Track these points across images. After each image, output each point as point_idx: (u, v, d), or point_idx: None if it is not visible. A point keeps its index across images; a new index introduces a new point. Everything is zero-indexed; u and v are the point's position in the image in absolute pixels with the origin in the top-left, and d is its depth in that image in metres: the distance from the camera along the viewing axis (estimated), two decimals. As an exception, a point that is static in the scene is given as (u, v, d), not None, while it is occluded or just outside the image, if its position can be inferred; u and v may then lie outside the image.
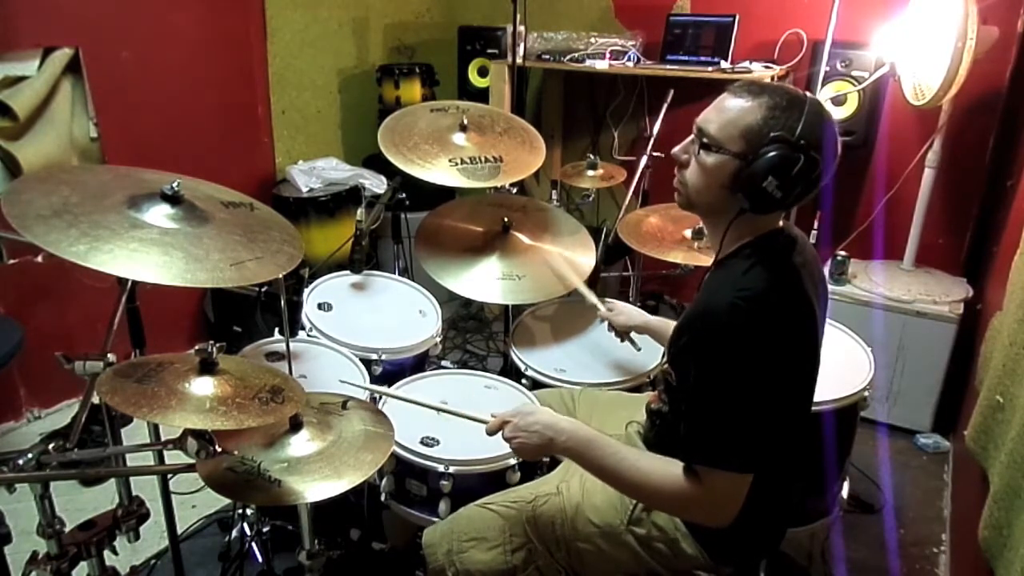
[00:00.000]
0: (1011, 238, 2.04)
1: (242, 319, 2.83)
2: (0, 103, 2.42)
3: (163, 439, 1.30)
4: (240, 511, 1.92)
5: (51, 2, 2.50)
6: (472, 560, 1.39)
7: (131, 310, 1.52)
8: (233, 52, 3.19)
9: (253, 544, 1.95)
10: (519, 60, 2.96)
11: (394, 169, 1.98)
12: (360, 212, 2.09)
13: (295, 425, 1.34)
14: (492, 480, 1.58)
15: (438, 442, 1.63)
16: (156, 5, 2.83)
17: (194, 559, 2.07)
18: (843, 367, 1.86)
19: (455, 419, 1.67)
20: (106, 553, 1.34)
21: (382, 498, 1.67)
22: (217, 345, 1.23)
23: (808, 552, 2.09)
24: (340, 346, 1.94)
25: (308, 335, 1.97)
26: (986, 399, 1.70)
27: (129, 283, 1.45)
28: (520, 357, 2.00)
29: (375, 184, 3.32)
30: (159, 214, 1.25)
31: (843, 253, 2.85)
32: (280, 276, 1.29)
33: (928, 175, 2.76)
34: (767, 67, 2.97)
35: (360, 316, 2.11)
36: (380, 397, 1.78)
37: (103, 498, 2.23)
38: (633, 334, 1.89)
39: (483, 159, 2.03)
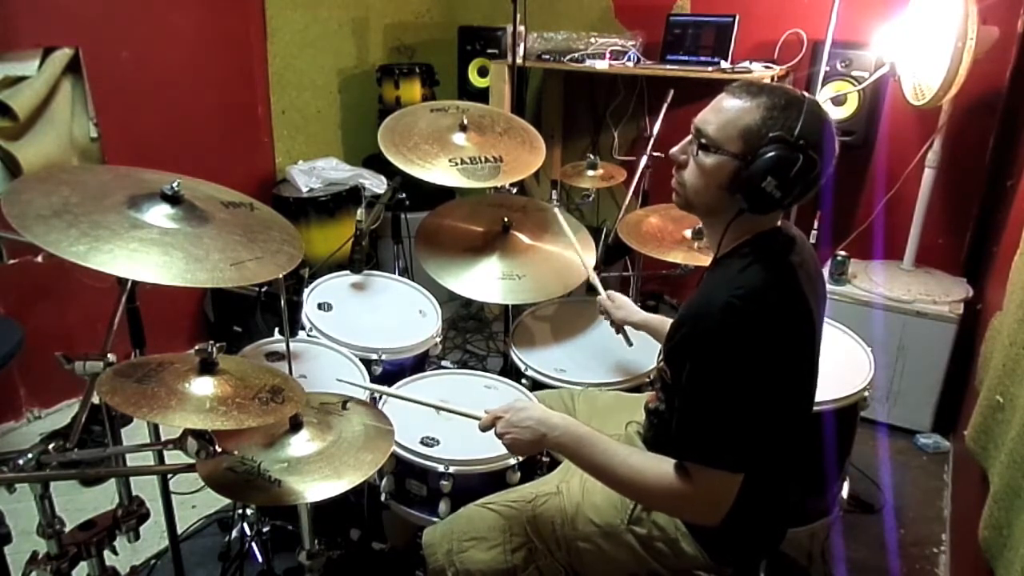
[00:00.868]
0: (1011, 238, 2.04)
1: (242, 319, 2.83)
2: (0, 103, 2.42)
3: (163, 439, 1.30)
4: (240, 511, 1.92)
5: (51, 2, 2.50)
6: (472, 560, 1.39)
7: (131, 310, 1.52)
8: (233, 52, 3.19)
9: (253, 544, 1.95)
10: (519, 60, 2.96)
11: (394, 169, 1.98)
12: (360, 212, 2.09)
13: (295, 425, 1.34)
14: (492, 480, 1.58)
15: (438, 442, 1.63)
16: (156, 5, 2.83)
17: (194, 559, 2.07)
18: (843, 367, 1.86)
19: (455, 419, 1.67)
20: (106, 553, 1.34)
21: (382, 498, 1.67)
22: (217, 345, 1.23)
23: (808, 552, 2.09)
24: (340, 346, 1.94)
25: (308, 335, 1.97)
26: (986, 399, 1.70)
27: (129, 283, 1.45)
28: (520, 357, 2.00)
29: (375, 184, 3.32)
30: (159, 214, 1.25)
31: (843, 253, 2.85)
32: (280, 276, 1.29)
33: (928, 175, 2.76)
34: (767, 67, 2.97)
35: (360, 316, 2.11)
36: (380, 397, 1.78)
37: (103, 498, 2.23)
38: (629, 330, 1.89)
39: (483, 159, 2.03)
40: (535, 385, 1.93)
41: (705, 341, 1.17)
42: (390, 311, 2.17)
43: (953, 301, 2.66)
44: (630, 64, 3.14)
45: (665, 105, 2.59)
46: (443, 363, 2.23)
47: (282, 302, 1.55)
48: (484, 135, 2.11)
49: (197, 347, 1.23)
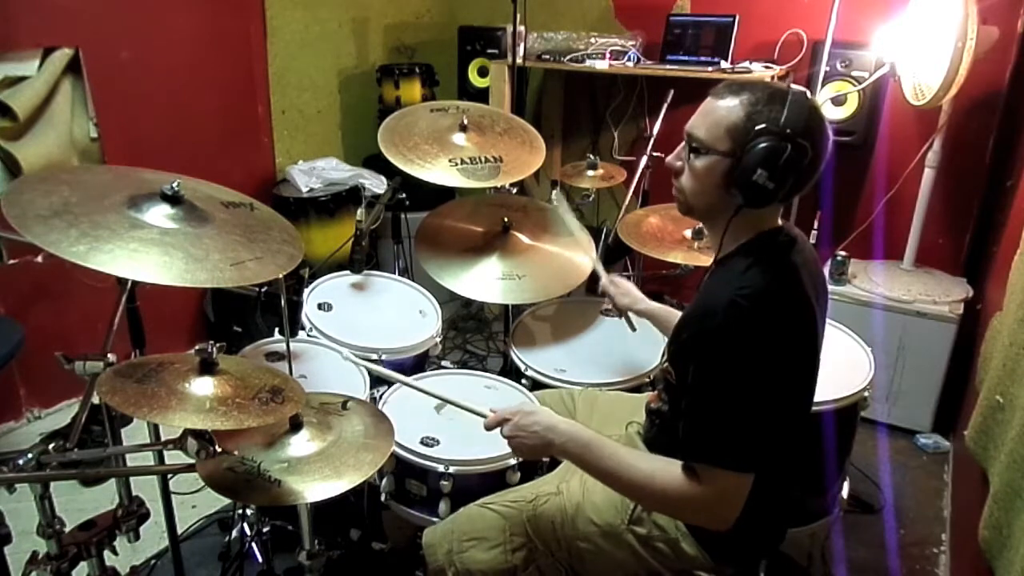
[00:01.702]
0: (1011, 238, 2.04)
1: (242, 319, 2.84)
2: (0, 103, 2.42)
3: (163, 439, 1.30)
4: (240, 511, 1.92)
5: (51, 2, 2.50)
6: (472, 560, 1.39)
7: (131, 310, 1.52)
8: (233, 52, 3.19)
9: (253, 544, 1.95)
10: (519, 60, 2.96)
11: (394, 169, 1.98)
12: (360, 212, 2.09)
13: (295, 425, 1.34)
14: (492, 480, 1.58)
15: (438, 442, 1.63)
16: (156, 5, 2.83)
17: (194, 559, 2.07)
18: (843, 367, 1.86)
19: (455, 419, 1.68)
20: (106, 553, 1.34)
21: (382, 498, 1.67)
22: (217, 345, 1.23)
23: (808, 552, 2.09)
24: (340, 346, 1.93)
25: (308, 335, 1.97)
26: (986, 399, 1.70)
27: (129, 283, 1.45)
28: (520, 357, 2.00)
29: (375, 184, 3.32)
30: (159, 214, 1.25)
31: (843, 253, 2.85)
32: (280, 276, 1.29)
33: (928, 175, 2.76)
34: (767, 67, 2.97)
35: (360, 316, 2.11)
36: (380, 396, 1.78)
37: (103, 498, 2.23)
38: (632, 316, 1.89)
39: (483, 159, 2.03)
40: (535, 385, 1.93)
41: (710, 341, 1.17)
42: (390, 311, 2.17)
43: (953, 301, 2.66)
44: (630, 64, 3.14)
45: (665, 105, 2.59)
46: (443, 363, 2.23)
47: (282, 302, 1.55)
48: (484, 135, 2.11)
49: (197, 347, 1.23)
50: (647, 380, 1.93)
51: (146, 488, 1.57)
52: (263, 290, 1.65)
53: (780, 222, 1.30)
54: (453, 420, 1.74)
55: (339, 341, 1.94)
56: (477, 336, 3.48)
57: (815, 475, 1.83)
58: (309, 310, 2.02)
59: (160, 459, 1.55)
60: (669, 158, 1.31)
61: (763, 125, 1.15)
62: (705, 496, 1.17)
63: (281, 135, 3.48)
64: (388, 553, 1.85)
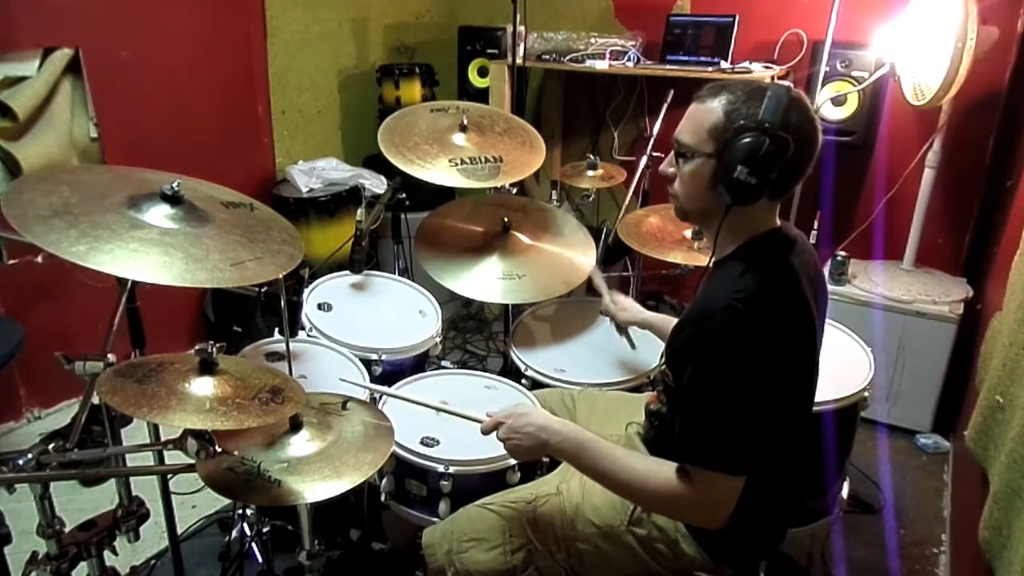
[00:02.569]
0: (1011, 238, 2.04)
1: (242, 319, 2.83)
2: (0, 103, 2.42)
3: (163, 439, 1.30)
4: (240, 511, 1.92)
5: (51, 2, 2.50)
6: (472, 560, 1.39)
7: (131, 310, 1.52)
8: (233, 52, 3.19)
9: (253, 544, 1.95)
10: (519, 60, 2.96)
11: (394, 169, 1.98)
12: (360, 212, 2.09)
13: (295, 425, 1.34)
14: (492, 480, 1.58)
15: (438, 442, 1.63)
16: (156, 5, 2.83)
17: (194, 559, 2.07)
18: (843, 367, 1.86)
19: (455, 419, 1.68)
20: (106, 553, 1.34)
21: (382, 498, 1.67)
22: (217, 345, 1.23)
23: (808, 552, 2.09)
24: (340, 346, 1.94)
25: (308, 335, 1.96)
26: (986, 399, 1.70)
27: (129, 283, 1.45)
28: (520, 357, 2.00)
29: (375, 184, 3.31)
30: (159, 214, 1.25)
31: (843, 253, 2.85)
32: (280, 276, 1.29)
33: (928, 175, 2.76)
34: (767, 67, 2.97)
35: (360, 316, 2.11)
36: (380, 396, 1.78)
37: (103, 498, 2.23)
38: (633, 331, 1.89)
39: (483, 159, 2.03)
40: (535, 385, 1.93)
41: (706, 344, 1.18)
42: (390, 311, 2.17)
43: (953, 301, 2.66)
44: (630, 64, 3.14)
45: (665, 105, 2.59)
46: (443, 363, 2.23)
47: (282, 302, 1.55)
48: (484, 135, 2.11)
49: (197, 347, 1.23)
50: (647, 380, 1.93)
51: (146, 488, 1.57)
52: (263, 290, 1.65)
53: (778, 222, 1.30)
54: (453, 421, 1.73)
55: (339, 341, 1.94)
56: (477, 336, 3.48)
57: (815, 475, 1.83)
58: (309, 310, 2.02)
59: (160, 459, 1.55)
60: (662, 165, 1.34)
61: (741, 122, 1.16)
62: (696, 497, 1.18)
63: (281, 135, 3.48)
64: (388, 553, 1.85)
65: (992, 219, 2.80)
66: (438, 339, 2.08)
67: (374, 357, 1.93)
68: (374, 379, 1.89)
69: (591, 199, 3.19)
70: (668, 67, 3.08)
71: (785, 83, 1.23)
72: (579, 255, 2.10)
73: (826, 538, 2.14)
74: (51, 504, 1.21)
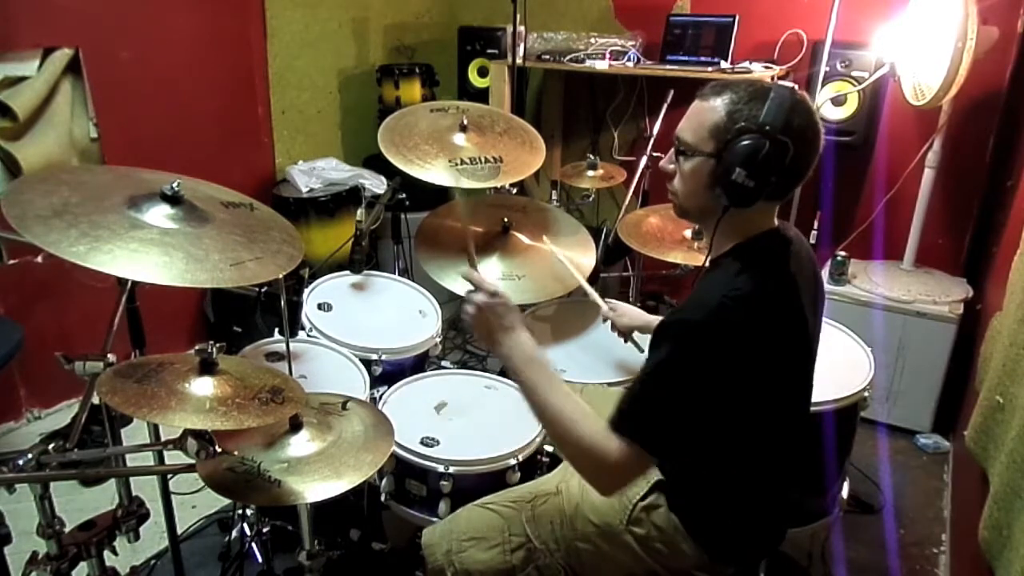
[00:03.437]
0: (1011, 238, 2.04)
1: (242, 319, 2.83)
2: (0, 103, 2.42)
3: (163, 439, 1.30)
4: (240, 511, 1.92)
5: (51, 2, 2.50)
6: (471, 560, 1.39)
7: (131, 310, 1.52)
8: (233, 52, 3.19)
9: (253, 544, 1.95)
10: (519, 60, 2.96)
11: (394, 169, 1.98)
12: (360, 212, 2.09)
13: (295, 425, 1.34)
14: (492, 480, 1.58)
15: (438, 442, 1.63)
16: (156, 5, 2.83)
17: (194, 559, 2.07)
18: (843, 367, 1.86)
19: (455, 419, 1.69)
20: (106, 553, 1.34)
21: (382, 498, 1.67)
22: (217, 345, 1.23)
23: (808, 552, 2.09)
24: (340, 346, 1.94)
25: (308, 335, 1.97)
26: (986, 399, 1.70)
27: (129, 283, 1.45)
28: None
29: (375, 184, 3.31)
30: (159, 214, 1.25)
31: (843, 253, 2.85)
32: (280, 276, 1.29)
33: (928, 175, 2.76)
34: (767, 67, 2.97)
35: (360, 316, 2.11)
36: (380, 396, 1.78)
37: (103, 498, 2.23)
38: (636, 334, 1.90)
39: (483, 159, 2.03)
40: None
41: (686, 331, 1.17)
42: (390, 311, 2.17)
43: (953, 301, 2.66)
44: (630, 64, 3.14)
45: (665, 105, 2.59)
46: (443, 363, 2.23)
47: (282, 302, 1.55)
48: (484, 135, 2.11)
49: (197, 347, 1.23)
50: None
51: (146, 488, 1.57)
52: (263, 290, 1.65)
53: (776, 222, 1.30)
54: (453, 420, 1.74)
55: (339, 341, 1.94)
56: (477, 336, 3.47)
57: (815, 475, 1.83)
58: (309, 310, 2.02)
59: (160, 459, 1.55)
60: (662, 162, 1.33)
61: (742, 124, 1.15)
62: (605, 458, 1.15)
63: (281, 135, 3.48)
64: (388, 553, 1.85)
65: (992, 219, 2.80)
66: (438, 339, 2.09)
67: (374, 357, 1.93)
68: (374, 379, 1.89)
69: (591, 199, 3.19)
70: (668, 67, 3.08)
71: (789, 84, 1.22)
72: (579, 255, 2.10)
73: (826, 538, 2.14)
74: (51, 504, 1.21)
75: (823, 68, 2.73)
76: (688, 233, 2.15)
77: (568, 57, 3.21)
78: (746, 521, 1.30)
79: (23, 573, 1.23)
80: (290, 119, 3.51)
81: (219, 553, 2.08)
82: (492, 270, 2.01)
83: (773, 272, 1.22)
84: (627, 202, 2.64)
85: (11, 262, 1.80)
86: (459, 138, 2.07)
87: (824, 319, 1.42)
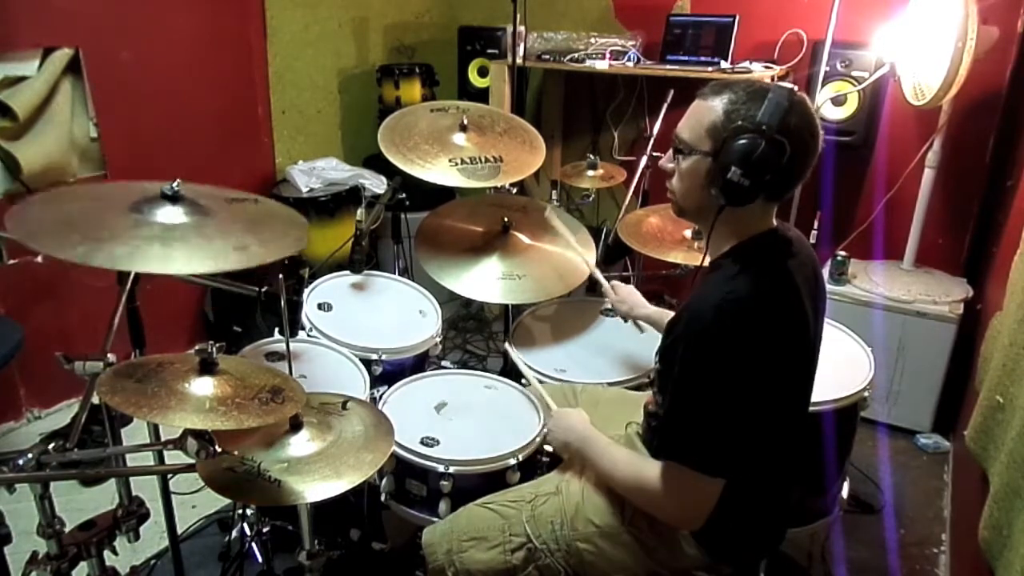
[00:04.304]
0: (1011, 238, 2.04)
1: (242, 319, 2.83)
2: (0, 103, 2.42)
3: (163, 439, 1.30)
4: (240, 511, 1.92)
5: (51, 2, 2.50)
6: (472, 560, 1.39)
7: (131, 310, 1.52)
8: (233, 52, 3.19)
9: (253, 544, 1.95)
10: (519, 60, 2.96)
11: (394, 169, 1.98)
12: (360, 212, 2.09)
13: (295, 425, 1.34)
14: (492, 480, 1.58)
15: (438, 442, 1.63)
16: (156, 5, 2.83)
17: (194, 559, 2.07)
18: (843, 367, 1.86)
19: (455, 419, 1.70)
20: (106, 553, 1.34)
21: (382, 498, 1.67)
22: (217, 345, 1.23)
23: (808, 552, 2.09)
24: (340, 346, 1.94)
25: (308, 335, 1.96)
26: (986, 399, 1.70)
27: (129, 282, 1.45)
28: (520, 357, 2.00)
29: (375, 184, 3.31)
30: (162, 215, 1.25)
31: (843, 253, 2.85)
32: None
33: (928, 175, 2.76)
34: (767, 67, 2.97)
35: (360, 316, 2.11)
36: (380, 396, 1.78)
37: (103, 498, 2.23)
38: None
39: (483, 159, 2.03)
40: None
41: (695, 342, 1.18)
42: (390, 311, 2.17)
43: (953, 301, 2.66)
44: (630, 64, 3.14)
45: (665, 105, 2.59)
46: (443, 363, 2.23)
47: (282, 302, 1.55)
48: (484, 135, 2.11)
49: (197, 347, 1.23)
50: (647, 380, 1.92)
51: (146, 488, 1.57)
52: (263, 290, 1.65)
53: (775, 223, 1.30)
54: (453, 420, 1.74)
55: (339, 341, 1.94)
56: (477, 336, 3.48)
57: (815, 475, 1.83)
58: (309, 310, 2.02)
59: (160, 459, 1.55)
60: (662, 161, 1.34)
61: (739, 123, 1.16)
62: (671, 493, 1.20)
63: (281, 135, 3.48)
64: (388, 553, 1.85)
65: (992, 219, 2.80)
66: (438, 339, 2.08)
67: (374, 357, 1.93)
68: (374, 379, 1.89)
69: (591, 199, 3.19)
70: (668, 67, 3.08)
71: (788, 85, 1.22)
72: (579, 255, 2.10)
73: (826, 538, 2.14)
74: (51, 504, 1.21)
75: (823, 68, 2.73)
76: (688, 233, 2.15)
77: (568, 57, 3.21)
78: (746, 521, 1.30)
79: (23, 573, 1.23)
80: (290, 119, 3.51)
81: (219, 553, 2.08)
82: (492, 270, 2.01)
83: (770, 273, 1.22)
84: (627, 202, 2.64)
85: (11, 262, 1.80)
86: (459, 138, 2.07)
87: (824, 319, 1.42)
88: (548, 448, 1.68)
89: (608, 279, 1.98)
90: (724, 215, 1.22)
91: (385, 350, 1.95)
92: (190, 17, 2.96)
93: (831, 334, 2.00)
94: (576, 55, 3.22)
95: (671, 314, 1.73)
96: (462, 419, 1.75)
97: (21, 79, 2.46)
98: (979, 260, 2.88)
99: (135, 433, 2.08)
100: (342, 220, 3.20)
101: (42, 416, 2.78)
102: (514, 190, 2.39)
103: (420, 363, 2.08)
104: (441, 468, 1.56)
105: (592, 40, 3.28)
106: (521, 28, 2.88)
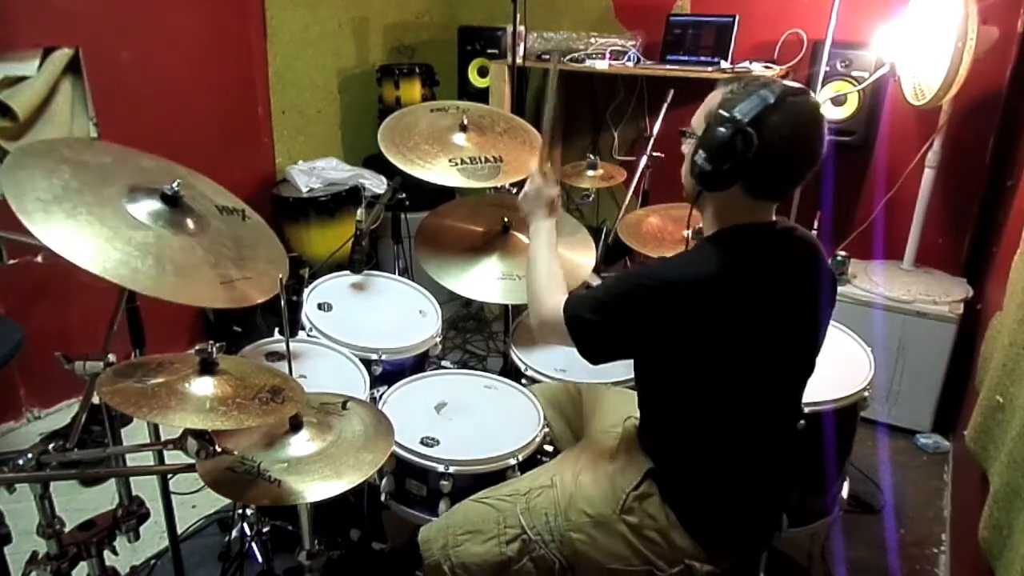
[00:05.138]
0: (1011, 238, 2.04)
1: (242, 319, 2.83)
2: (0, 103, 2.42)
3: (163, 439, 1.30)
4: (240, 511, 1.92)
5: (51, 2, 2.50)
6: (467, 553, 1.40)
7: (131, 310, 1.52)
8: (233, 52, 3.19)
9: (253, 544, 1.95)
10: (519, 60, 2.96)
11: (394, 169, 1.98)
12: (360, 212, 2.09)
13: (295, 425, 1.34)
14: (492, 480, 1.57)
15: (438, 442, 1.63)
16: (156, 5, 2.83)
17: (194, 559, 2.07)
18: (843, 367, 1.86)
19: (455, 419, 1.70)
20: (106, 553, 1.34)
21: (382, 498, 1.67)
22: (217, 345, 1.23)
23: (808, 552, 2.09)
24: (340, 346, 1.93)
25: (308, 335, 1.96)
26: (986, 399, 1.70)
27: (129, 283, 1.45)
28: (520, 357, 2.00)
29: (375, 184, 3.31)
30: (157, 216, 1.27)
31: (843, 253, 2.85)
32: (280, 276, 1.30)
33: (928, 175, 2.76)
34: (767, 67, 2.97)
35: (360, 316, 2.11)
36: (380, 396, 1.78)
37: (103, 498, 2.23)
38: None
39: (483, 159, 2.03)
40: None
41: (634, 271, 1.27)
42: (390, 311, 2.17)
43: (953, 301, 2.66)
44: (630, 64, 3.14)
45: (665, 105, 2.59)
46: (443, 363, 2.23)
47: (282, 302, 1.54)
48: (484, 135, 2.11)
49: (197, 347, 1.23)
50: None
51: (146, 488, 1.57)
52: (263, 290, 1.65)
53: (773, 218, 1.31)
54: (453, 420, 1.74)
55: (339, 341, 1.94)
56: (477, 336, 3.48)
57: (815, 475, 1.83)
58: (309, 310, 2.02)
59: (160, 459, 1.55)
60: (683, 146, 1.37)
61: (722, 112, 1.20)
62: (553, 319, 1.35)
63: (281, 135, 3.48)
64: (388, 553, 1.85)
65: (992, 219, 2.80)
66: (438, 339, 2.08)
67: (374, 357, 1.93)
68: (374, 379, 1.89)
69: (591, 199, 3.19)
70: (668, 67, 3.08)
71: (796, 86, 1.22)
72: (579, 255, 2.10)
73: (826, 538, 2.14)
74: (51, 504, 1.21)
75: (823, 68, 2.73)
76: (688, 233, 2.14)
77: (568, 57, 3.21)
78: (736, 512, 1.31)
79: (23, 573, 1.23)
80: (290, 119, 3.51)
81: (219, 553, 2.08)
82: (492, 270, 2.01)
83: (728, 260, 1.23)
84: (627, 202, 2.64)
85: (11, 262, 1.80)
86: (459, 138, 2.07)
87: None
88: (548, 448, 1.68)
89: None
90: (707, 201, 1.28)
91: (385, 350, 1.95)
92: (190, 17, 2.96)
93: (831, 334, 1.99)
94: (576, 55, 3.22)
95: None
96: (462, 419, 1.75)
97: (21, 79, 2.46)
98: (979, 260, 2.88)
99: (135, 433, 2.08)
100: (342, 220, 3.20)
101: (42, 416, 2.78)
102: (514, 190, 2.39)
103: (420, 363, 2.08)
104: (441, 468, 1.56)
105: (592, 40, 3.28)
106: (521, 28, 2.88)
